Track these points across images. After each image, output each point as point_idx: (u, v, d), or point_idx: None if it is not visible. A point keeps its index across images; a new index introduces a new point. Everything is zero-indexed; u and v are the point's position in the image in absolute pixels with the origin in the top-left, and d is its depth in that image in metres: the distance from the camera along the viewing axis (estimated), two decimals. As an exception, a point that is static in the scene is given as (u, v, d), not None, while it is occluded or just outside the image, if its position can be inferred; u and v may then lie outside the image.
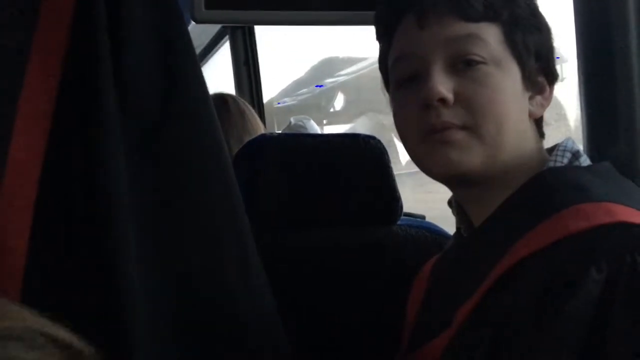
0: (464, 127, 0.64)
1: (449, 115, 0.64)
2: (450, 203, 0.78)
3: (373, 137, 1.03)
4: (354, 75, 4.67)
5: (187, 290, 0.66)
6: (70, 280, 0.61)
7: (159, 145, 0.67)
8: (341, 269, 0.97)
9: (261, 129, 1.48)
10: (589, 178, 0.63)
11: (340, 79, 4.92)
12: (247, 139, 1.31)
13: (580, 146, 0.70)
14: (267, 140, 1.02)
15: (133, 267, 0.61)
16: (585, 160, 0.67)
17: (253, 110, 1.51)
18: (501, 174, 0.66)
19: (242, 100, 1.52)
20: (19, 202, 0.60)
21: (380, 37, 0.75)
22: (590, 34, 0.81)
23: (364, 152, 1.00)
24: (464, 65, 0.65)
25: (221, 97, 1.44)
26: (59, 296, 0.60)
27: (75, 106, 0.63)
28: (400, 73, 0.70)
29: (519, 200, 0.64)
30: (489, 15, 0.66)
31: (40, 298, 0.59)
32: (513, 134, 0.66)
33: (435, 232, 1.03)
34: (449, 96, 0.64)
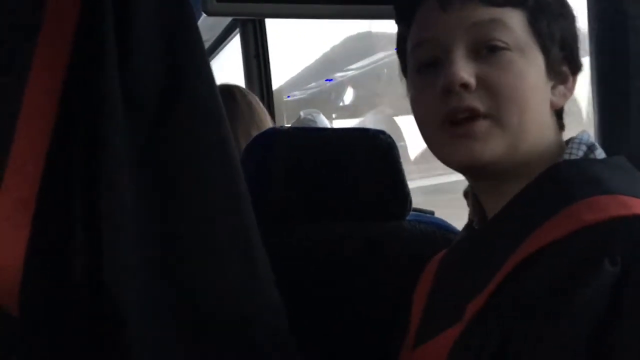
0: (486, 115, 0.63)
1: (470, 99, 0.63)
2: (466, 194, 0.77)
3: (382, 132, 1.02)
4: (363, 69, 4.65)
5: (191, 290, 0.66)
6: (69, 283, 0.61)
7: (164, 143, 0.66)
8: (350, 263, 0.97)
9: (269, 122, 1.47)
10: (603, 171, 0.62)
11: (350, 73, 4.90)
12: (254, 132, 1.30)
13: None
14: (277, 133, 1.02)
15: (135, 269, 0.61)
16: (600, 154, 0.67)
17: (261, 103, 1.50)
18: (521, 165, 0.65)
19: (250, 92, 1.51)
20: (18, 211, 0.60)
21: (399, 19, 0.74)
22: (603, 31, 0.81)
23: (374, 146, 1.00)
24: (486, 51, 0.64)
25: (228, 89, 1.41)
26: (57, 297, 0.60)
27: (79, 108, 0.62)
28: (419, 57, 0.68)
29: (533, 192, 0.64)
30: (514, 1, 0.65)
31: (39, 297, 0.60)
32: (535, 123, 0.65)
33: (444, 228, 1.02)
34: (471, 81, 0.63)
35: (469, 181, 0.73)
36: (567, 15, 0.68)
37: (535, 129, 0.65)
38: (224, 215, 0.70)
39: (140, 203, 0.63)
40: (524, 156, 0.65)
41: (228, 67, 2.63)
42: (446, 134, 0.65)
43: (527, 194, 0.64)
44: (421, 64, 0.68)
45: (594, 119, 0.89)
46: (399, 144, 1.03)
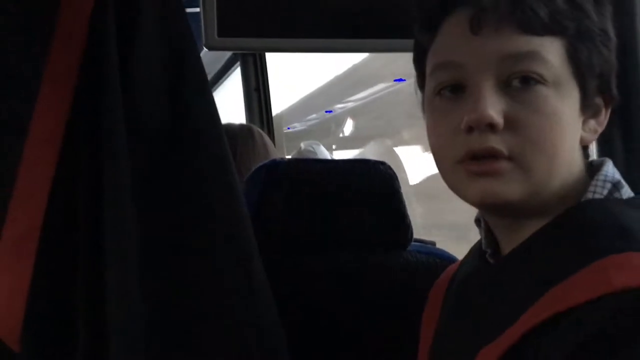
0: (510, 158, 0.57)
1: (495, 141, 0.57)
2: (477, 222, 0.71)
3: (383, 163, 1.03)
4: (363, 101, 4.70)
5: (191, 320, 0.66)
6: (72, 319, 0.61)
7: (166, 171, 0.67)
8: (349, 294, 0.97)
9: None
10: (632, 216, 0.57)
11: (350, 104, 4.94)
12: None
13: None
14: (277, 165, 1.03)
15: (135, 302, 0.61)
16: (626, 192, 0.61)
17: (273, 145, 1.55)
18: (542, 205, 0.60)
19: (265, 134, 1.57)
20: (21, 247, 0.61)
21: (422, 27, 0.66)
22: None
23: (374, 177, 1.01)
24: (518, 82, 0.58)
25: (249, 128, 1.50)
26: (59, 332, 0.60)
27: (83, 139, 0.63)
28: (440, 79, 0.62)
29: (554, 234, 0.59)
30: (554, 29, 0.58)
31: (41, 332, 0.60)
32: (563, 166, 0.59)
33: (446, 259, 1.02)
34: (500, 121, 0.57)
35: (482, 214, 0.69)
36: (610, 44, 0.62)
37: (561, 173, 0.59)
38: (226, 247, 0.70)
39: (142, 234, 0.63)
40: (546, 198, 0.60)
41: (228, 100, 2.65)
42: (464, 170, 0.60)
43: (547, 235, 0.59)
44: (442, 87, 0.62)
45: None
46: (398, 174, 1.04)
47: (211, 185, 0.70)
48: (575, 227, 0.58)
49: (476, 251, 0.72)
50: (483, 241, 0.69)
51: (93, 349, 0.60)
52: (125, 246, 0.61)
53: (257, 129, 1.54)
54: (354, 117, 4.94)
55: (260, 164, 1.03)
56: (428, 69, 0.65)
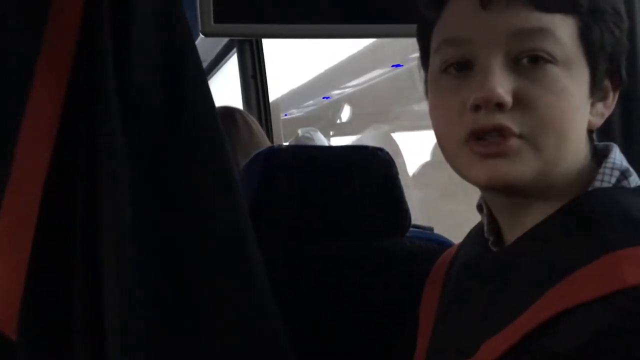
0: (520, 136, 0.56)
1: (503, 118, 0.55)
2: (479, 207, 0.69)
3: (381, 149, 1.03)
4: (360, 87, 4.68)
5: (191, 315, 0.66)
6: (69, 307, 0.61)
7: (162, 161, 0.67)
8: (349, 281, 0.97)
9: (267, 142, 1.49)
10: None
11: (347, 90, 4.93)
12: (253, 152, 1.32)
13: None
14: (275, 152, 1.02)
15: (134, 291, 0.61)
16: (634, 180, 0.59)
17: (258, 123, 1.53)
18: (548, 188, 0.58)
19: (248, 114, 1.54)
20: (18, 234, 0.60)
21: (427, 3, 0.63)
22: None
23: (372, 163, 1.01)
24: (528, 61, 0.56)
25: (229, 112, 1.44)
26: (56, 321, 0.60)
27: (78, 131, 0.63)
28: (447, 56, 0.60)
29: (562, 224, 0.57)
30: (567, 6, 0.56)
31: (37, 321, 0.60)
32: (571, 148, 0.58)
33: (444, 244, 1.02)
34: (509, 100, 0.55)
35: (485, 196, 0.67)
36: (621, 25, 0.59)
37: (570, 154, 0.58)
38: (223, 235, 0.70)
39: (139, 224, 0.63)
40: (554, 180, 0.58)
41: (225, 87, 2.64)
42: (470, 150, 0.58)
43: (554, 223, 0.58)
44: (448, 63, 0.59)
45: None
46: (396, 160, 1.04)
47: (207, 175, 0.70)
48: (584, 217, 0.56)
49: (476, 236, 0.71)
50: (485, 228, 0.67)
51: (90, 340, 0.60)
52: (122, 238, 0.61)
53: (239, 111, 1.49)
54: (351, 103, 4.93)
55: (258, 150, 1.02)
56: (433, 46, 0.62)
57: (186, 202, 0.67)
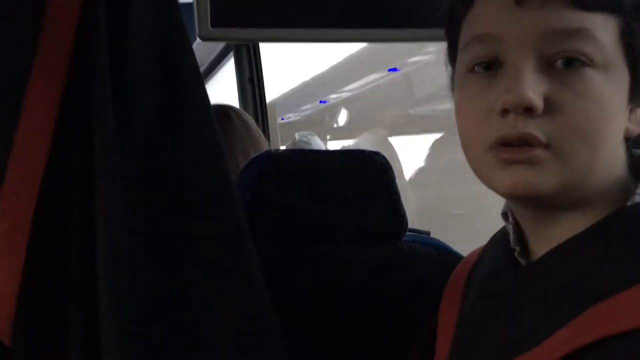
0: (548, 146, 0.52)
1: (531, 126, 0.51)
2: (505, 215, 0.65)
3: (377, 153, 1.03)
4: (357, 91, 4.69)
5: (186, 313, 0.66)
6: (64, 311, 0.61)
7: (157, 162, 0.67)
8: (345, 285, 0.97)
9: (263, 138, 1.48)
10: None
11: (344, 94, 4.94)
12: (251, 149, 1.32)
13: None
14: (272, 156, 1.03)
15: (131, 292, 0.61)
16: None
17: (253, 120, 1.52)
18: (579, 199, 0.55)
19: (243, 111, 1.53)
20: (13, 236, 0.60)
21: None
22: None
23: (369, 167, 1.01)
24: (563, 63, 0.52)
25: (224, 110, 1.42)
26: (51, 325, 0.60)
27: (74, 132, 0.63)
28: (476, 54, 0.56)
29: (596, 241, 0.53)
30: (609, 4, 0.52)
31: (32, 325, 0.59)
32: (606, 157, 0.54)
33: (440, 249, 1.03)
34: (540, 105, 0.51)
35: (511, 206, 0.63)
36: None
37: (604, 164, 0.54)
38: (220, 239, 0.70)
39: (135, 225, 0.63)
40: (584, 192, 0.54)
41: (222, 90, 2.64)
42: (496, 157, 0.54)
43: (590, 239, 0.54)
44: (477, 62, 0.56)
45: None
46: (393, 164, 1.04)
47: (203, 176, 0.70)
48: (624, 235, 0.52)
49: (499, 245, 0.66)
50: (511, 237, 0.63)
51: (85, 342, 0.60)
52: (118, 237, 0.61)
53: (234, 108, 1.47)
54: (348, 108, 4.94)
55: (256, 154, 1.02)
56: (462, 41, 0.59)
57: (182, 203, 0.67)
